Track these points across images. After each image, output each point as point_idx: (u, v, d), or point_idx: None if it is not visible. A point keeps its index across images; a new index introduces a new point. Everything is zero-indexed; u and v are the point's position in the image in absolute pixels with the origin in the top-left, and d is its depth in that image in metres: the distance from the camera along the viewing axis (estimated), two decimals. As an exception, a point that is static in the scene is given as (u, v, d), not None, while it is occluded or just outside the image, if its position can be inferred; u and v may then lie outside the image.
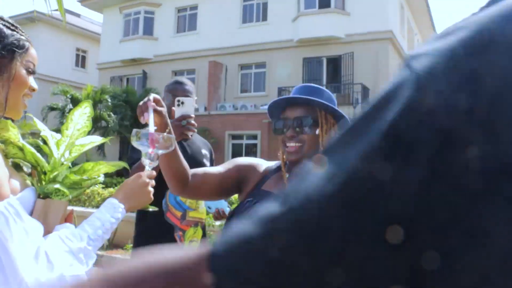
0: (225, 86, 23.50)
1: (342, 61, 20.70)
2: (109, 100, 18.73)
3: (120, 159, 23.87)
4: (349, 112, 16.56)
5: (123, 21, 26.81)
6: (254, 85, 23.47)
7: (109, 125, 18.43)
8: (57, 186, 1.35)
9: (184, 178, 1.73)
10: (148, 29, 26.12)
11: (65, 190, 1.36)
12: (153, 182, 1.53)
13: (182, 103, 2.58)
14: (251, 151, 21.32)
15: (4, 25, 1.30)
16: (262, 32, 22.71)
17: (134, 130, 1.47)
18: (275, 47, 22.20)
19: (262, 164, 1.91)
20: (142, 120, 1.53)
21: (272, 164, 1.91)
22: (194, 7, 25.27)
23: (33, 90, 1.39)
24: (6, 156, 1.32)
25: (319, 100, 1.72)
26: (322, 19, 20.87)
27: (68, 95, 18.13)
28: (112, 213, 1.39)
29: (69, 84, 25.74)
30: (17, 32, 1.33)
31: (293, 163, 1.74)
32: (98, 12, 29.21)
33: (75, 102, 18.22)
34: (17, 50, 1.28)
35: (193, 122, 2.64)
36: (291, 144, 1.72)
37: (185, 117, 2.58)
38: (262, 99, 21.77)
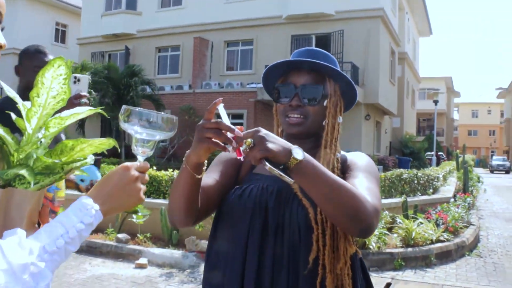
0: (211, 64, 23.01)
1: (332, 39, 20.26)
2: (90, 76, 17.96)
3: (102, 136, 23.24)
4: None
5: (105, -6, 25.92)
6: (240, 63, 23.00)
7: (90, 103, 17.68)
8: (20, 171, 0.99)
9: (196, 207, 1.49)
10: (132, 3, 25.42)
11: (28, 176, 0.99)
12: (146, 177, 1.14)
13: (79, 80, 2.46)
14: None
15: None
16: (250, 8, 22.13)
17: (124, 107, 1.14)
18: (263, 24, 21.70)
19: None
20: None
21: None
22: (179, -19, 24.51)
23: (0, 47, 1.07)
24: None
25: (332, 66, 1.56)
26: (312, -5, 20.29)
27: (46, 70, 17.33)
28: (81, 217, 0.99)
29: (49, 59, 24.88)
30: None
31: (291, 137, 1.56)
32: (79, -16, 28.25)
33: (54, 77, 17.45)
34: None
35: (87, 101, 2.53)
36: (294, 115, 1.55)
37: (81, 96, 2.44)
38: (249, 77, 21.36)
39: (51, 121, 1.08)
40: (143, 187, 1.12)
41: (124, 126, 1.12)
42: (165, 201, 7.86)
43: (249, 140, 1.18)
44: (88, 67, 18.48)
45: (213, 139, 1.22)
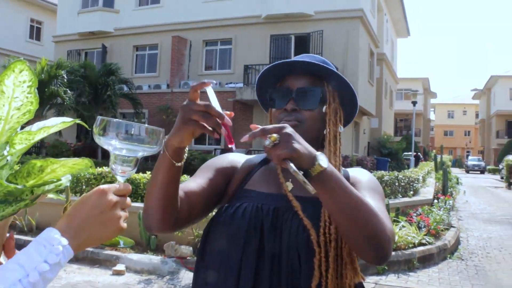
0: (189, 63, 22.80)
1: (311, 39, 20.18)
2: (65, 76, 17.61)
3: (78, 137, 22.88)
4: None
5: (82, -9, 25.46)
6: (219, 62, 22.82)
7: (65, 102, 17.36)
8: None
9: (175, 211, 1.30)
10: (109, 1, 25.00)
11: None
12: (127, 202, 0.94)
13: None
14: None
15: None
16: (229, 7, 21.96)
17: (99, 118, 0.94)
18: (242, 23, 21.55)
19: (241, 159, 1.56)
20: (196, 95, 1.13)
21: (253, 157, 1.58)
22: (157, -21, 24.20)
23: None
24: None
25: (331, 68, 1.45)
26: (291, -6, 20.20)
27: (19, 69, 16.92)
28: (45, 255, 0.79)
29: (23, 57, 24.28)
30: None
31: None
32: (55, -19, 27.72)
33: (28, 75, 17.04)
34: None
35: None
36: (289, 120, 1.38)
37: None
38: (228, 77, 21.22)
39: (17, 136, 0.88)
40: (123, 214, 0.92)
41: (99, 140, 0.93)
42: (143, 205, 7.65)
43: (274, 135, 1.04)
44: (64, 66, 18.09)
45: (200, 122, 1.09)
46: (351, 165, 18.39)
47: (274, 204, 1.35)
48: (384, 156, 25.26)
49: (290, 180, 1.40)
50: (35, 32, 31.97)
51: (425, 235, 7.68)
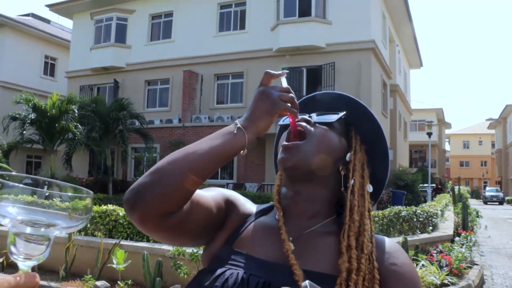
0: (201, 97, 22.70)
1: (323, 71, 20.03)
2: (76, 110, 17.56)
3: (90, 172, 22.76)
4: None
5: (94, 28, 25.78)
6: (230, 96, 22.68)
7: (76, 137, 17.25)
8: None
9: (175, 206, 1.01)
10: (121, 37, 25.17)
11: None
12: None
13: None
14: (227, 166, 20.46)
15: None
16: (240, 41, 21.97)
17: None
18: (253, 57, 21.46)
19: (248, 205, 1.22)
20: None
21: (256, 207, 1.22)
22: (169, 14, 24.45)
23: None
24: None
25: (365, 105, 1.19)
26: (302, 27, 20.19)
27: (30, 104, 16.89)
28: None
29: (36, 93, 24.55)
30: None
31: (290, 180, 1.12)
32: (68, 18, 28.15)
33: (38, 111, 16.99)
34: None
35: None
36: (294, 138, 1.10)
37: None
38: (239, 111, 21.03)
39: None
40: None
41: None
42: (148, 245, 7.34)
43: None
44: (75, 101, 18.03)
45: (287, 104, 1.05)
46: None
47: (266, 276, 0.99)
48: (400, 188, 24.72)
49: (291, 238, 1.05)
50: (49, 68, 32.29)
51: (447, 274, 7.23)
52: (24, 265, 0.66)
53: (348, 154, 1.13)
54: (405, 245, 7.77)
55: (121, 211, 8.16)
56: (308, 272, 0.99)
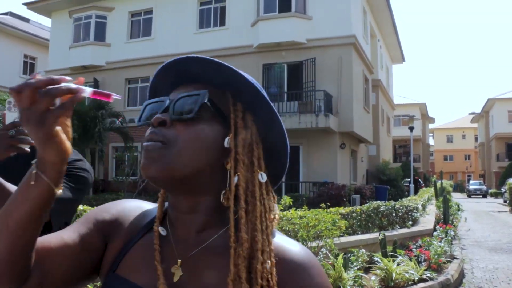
0: (182, 94, 22.46)
1: (304, 67, 19.93)
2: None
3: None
4: (311, 121, 15.79)
5: (73, 26, 25.44)
6: (212, 93, 22.44)
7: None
8: None
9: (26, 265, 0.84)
10: (100, 35, 24.87)
11: None
12: None
13: (15, 105, 1.88)
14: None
15: None
16: (220, 38, 21.80)
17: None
18: (234, 53, 21.29)
19: (138, 212, 1.01)
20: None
21: (148, 212, 1.01)
22: (149, 12, 24.23)
23: None
24: None
25: (236, 69, 0.89)
26: (283, 23, 20.06)
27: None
28: None
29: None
30: None
31: (173, 208, 0.94)
32: (46, 16, 27.76)
33: (13, 111, 16.72)
34: None
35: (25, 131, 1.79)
36: (152, 138, 0.87)
37: (16, 124, 1.81)
38: (221, 108, 20.88)
39: None
40: None
41: None
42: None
43: None
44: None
45: None
46: (349, 195, 17.90)
47: None
48: (383, 183, 24.78)
49: (179, 262, 0.88)
50: (29, 68, 31.91)
51: (426, 269, 7.13)
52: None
53: (227, 139, 0.88)
54: (383, 242, 7.69)
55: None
56: None
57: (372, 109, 25.77)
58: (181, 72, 0.94)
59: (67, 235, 0.93)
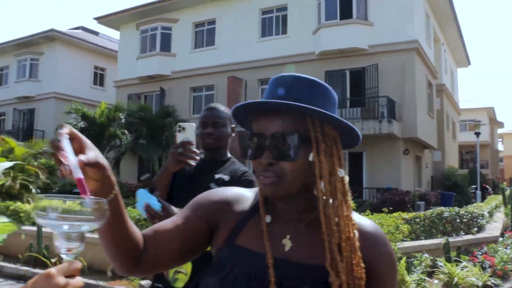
0: (245, 102, 22.86)
1: (366, 74, 19.90)
2: (122, 117, 18.23)
3: (138, 177, 23.44)
4: (374, 127, 15.76)
5: (140, 38, 26.54)
6: (274, 100, 22.70)
7: (123, 143, 17.91)
8: None
9: (137, 251, 1.17)
10: (166, 45, 25.77)
11: None
12: (77, 281, 0.84)
13: (183, 128, 2.45)
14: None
15: None
16: (282, 46, 22.09)
17: (36, 196, 0.89)
18: (296, 61, 21.51)
19: (242, 198, 1.30)
20: (61, 159, 0.94)
21: (249, 196, 1.31)
22: (212, 22, 24.88)
23: None
24: None
25: (312, 107, 1.09)
26: (344, 30, 20.14)
27: (79, 113, 17.66)
28: None
29: (87, 102, 25.59)
30: None
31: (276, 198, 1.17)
32: (115, 29, 29.05)
33: (87, 119, 17.70)
34: None
35: (193, 149, 2.44)
36: (266, 175, 1.13)
37: (184, 144, 2.42)
38: (283, 115, 21.12)
39: None
40: None
41: (38, 217, 0.85)
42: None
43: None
44: (122, 109, 18.69)
45: None
46: (413, 201, 17.72)
47: (272, 269, 1.11)
48: (449, 189, 24.26)
49: (288, 236, 1.17)
50: (99, 78, 33.41)
51: (491, 276, 7.11)
52: (68, 257, 0.86)
53: (311, 155, 1.12)
54: (446, 246, 7.71)
55: (165, 215, 8.42)
56: (304, 264, 1.11)
57: (437, 114, 25.30)
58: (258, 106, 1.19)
59: (178, 218, 1.24)
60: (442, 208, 10.34)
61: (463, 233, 9.72)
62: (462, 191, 24.99)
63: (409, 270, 6.26)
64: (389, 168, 18.64)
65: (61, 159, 0.93)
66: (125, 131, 18.34)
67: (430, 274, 7.03)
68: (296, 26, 22.07)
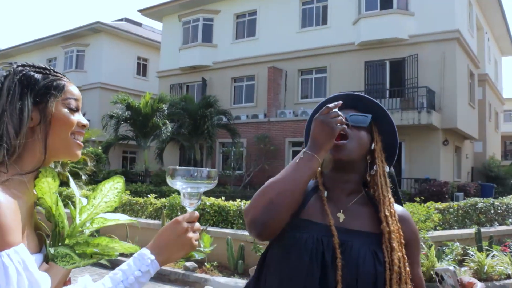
0: (285, 92, 23.23)
1: (406, 64, 19.88)
2: (165, 108, 18.79)
3: (180, 165, 24.02)
4: (414, 117, 15.76)
5: (182, 29, 27.10)
6: (314, 91, 23.03)
7: (163, 134, 18.50)
8: (69, 251, 1.22)
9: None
10: (207, 36, 26.27)
11: (77, 257, 1.23)
12: (197, 226, 1.31)
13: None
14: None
15: (34, 71, 1.25)
16: (322, 36, 22.28)
17: (168, 168, 1.32)
18: (336, 51, 21.71)
19: None
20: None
21: (309, 184, 1.61)
22: (253, 13, 25.20)
23: (84, 126, 1.32)
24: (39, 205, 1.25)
25: (382, 106, 1.63)
26: (384, 20, 20.16)
27: (125, 103, 18.30)
28: (139, 265, 1.21)
29: (131, 92, 26.28)
30: (49, 74, 1.27)
31: (337, 167, 1.53)
32: (158, 21, 29.71)
33: (132, 109, 18.34)
34: (50, 92, 1.24)
35: None
36: (342, 142, 1.50)
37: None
38: (323, 105, 21.25)
39: (97, 219, 1.31)
40: (194, 235, 1.27)
41: (170, 183, 1.29)
42: (232, 231, 8.02)
43: None
44: (165, 99, 19.26)
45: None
46: (451, 192, 17.72)
47: (333, 237, 1.42)
48: (491, 181, 23.99)
49: (342, 210, 1.50)
50: (142, 69, 34.15)
51: (521, 265, 7.29)
52: (190, 208, 1.30)
53: (373, 144, 1.55)
54: (477, 235, 7.92)
55: (208, 201, 8.88)
56: (358, 231, 1.47)
57: (478, 105, 24.96)
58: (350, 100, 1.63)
59: None
60: (477, 198, 10.46)
61: (497, 224, 9.85)
62: (504, 183, 24.68)
63: (439, 258, 6.53)
64: (428, 159, 18.63)
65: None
66: (168, 121, 18.93)
67: (460, 262, 7.26)
68: (336, 16, 22.19)
